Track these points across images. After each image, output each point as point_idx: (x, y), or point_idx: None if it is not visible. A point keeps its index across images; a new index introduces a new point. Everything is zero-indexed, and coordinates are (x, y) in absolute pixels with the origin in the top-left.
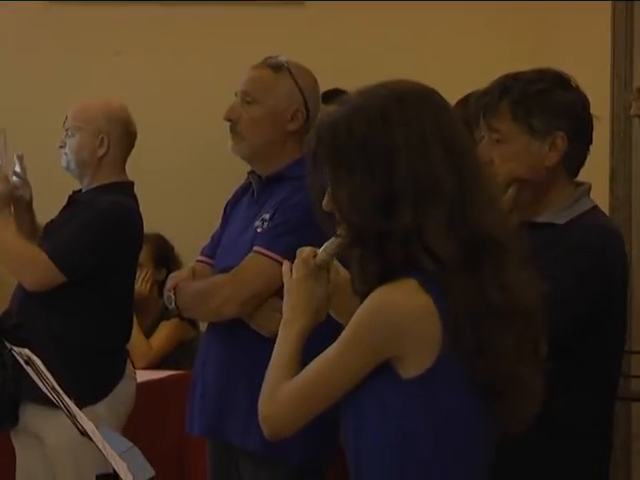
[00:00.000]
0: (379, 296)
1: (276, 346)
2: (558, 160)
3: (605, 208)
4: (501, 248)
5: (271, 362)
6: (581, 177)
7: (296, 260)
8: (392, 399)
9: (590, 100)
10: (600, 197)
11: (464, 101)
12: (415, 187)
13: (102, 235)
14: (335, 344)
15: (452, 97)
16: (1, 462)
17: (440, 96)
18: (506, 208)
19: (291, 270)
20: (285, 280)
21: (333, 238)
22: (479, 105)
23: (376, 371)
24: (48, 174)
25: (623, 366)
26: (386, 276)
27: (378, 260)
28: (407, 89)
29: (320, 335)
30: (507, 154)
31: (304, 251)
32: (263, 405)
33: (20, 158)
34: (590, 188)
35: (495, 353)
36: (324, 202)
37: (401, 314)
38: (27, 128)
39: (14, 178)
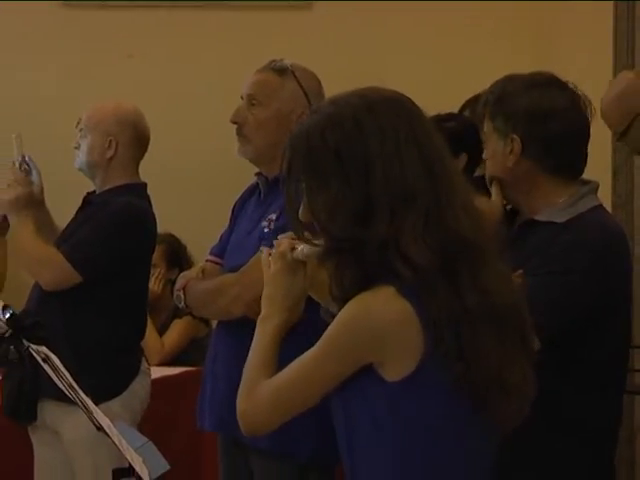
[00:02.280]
0: (357, 304)
1: (254, 342)
2: (522, 162)
3: (607, 205)
4: (477, 251)
5: (249, 358)
6: (585, 176)
7: (273, 252)
8: (379, 402)
9: (592, 99)
10: (603, 194)
11: (473, 101)
12: (390, 195)
13: (116, 236)
14: (314, 348)
15: (458, 98)
16: (20, 457)
17: (413, 103)
18: (497, 203)
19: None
20: (264, 271)
21: (306, 245)
22: (482, 105)
23: (363, 375)
24: (63, 175)
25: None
26: (364, 284)
27: (355, 268)
28: (379, 97)
29: (300, 334)
30: (487, 152)
31: (281, 244)
32: (241, 401)
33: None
34: (597, 187)
35: (476, 357)
36: (300, 212)
37: (379, 320)
38: (42, 130)
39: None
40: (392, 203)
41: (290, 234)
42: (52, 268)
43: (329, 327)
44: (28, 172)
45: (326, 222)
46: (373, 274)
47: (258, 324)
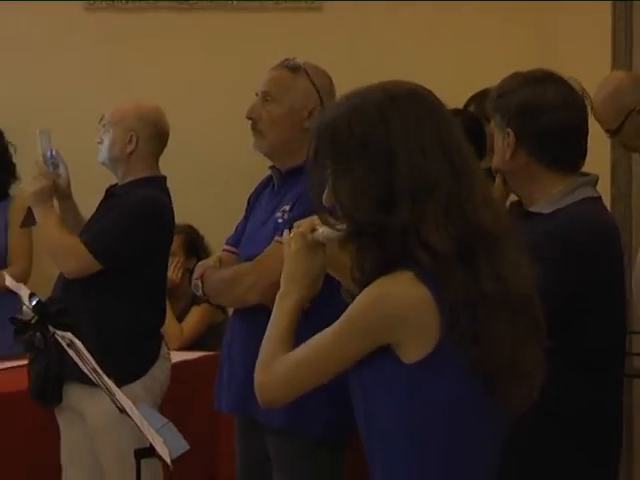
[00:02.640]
0: (377, 287)
1: (272, 317)
2: (513, 154)
3: (607, 198)
4: (495, 240)
5: (267, 332)
6: (584, 170)
7: (293, 232)
8: (396, 382)
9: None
10: (602, 188)
11: (478, 97)
12: (413, 185)
13: (135, 226)
14: (334, 326)
15: (465, 95)
16: (48, 438)
17: (435, 97)
18: (497, 194)
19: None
20: (284, 251)
21: (328, 229)
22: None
23: (381, 355)
24: (88, 170)
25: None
26: (384, 268)
27: (376, 253)
28: (403, 89)
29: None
30: (493, 146)
31: (302, 224)
32: (259, 373)
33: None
34: (596, 180)
35: (490, 341)
36: (324, 197)
37: (398, 304)
38: (68, 126)
39: (50, 167)
40: (414, 192)
41: (310, 218)
42: (74, 257)
43: (349, 307)
44: (56, 166)
45: (349, 207)
46: (393, 259)
47: (277, 300)
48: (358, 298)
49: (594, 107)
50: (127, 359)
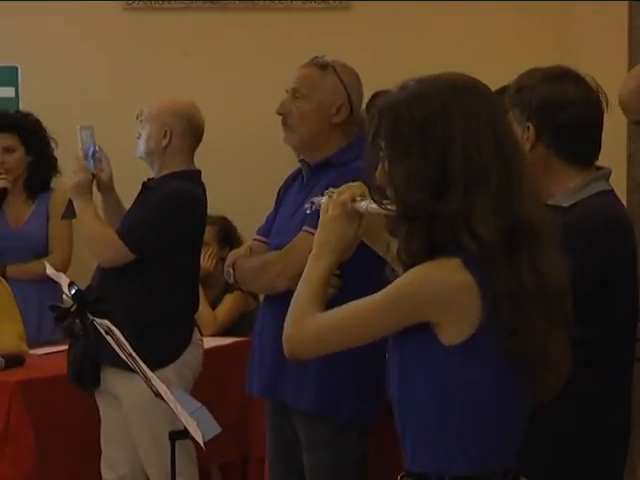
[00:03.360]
0: (426, 268)
1: (303, 277)
2: (532, 148)
3: (623, 190)
4: (537, 235)
5: (297, 290)
6: (601, 162)
7: (335, 198)
8: (434, 363)
9: (609, 93)
10: (618, 179)
11: (498, 93)
12: (466, 175)
13: (166, 218)
14: (376, 296)
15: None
16: (88, 420)
17: (489, 89)
18: None
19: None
20: (321, 214)
21: (379, 208)
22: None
23: (421, 333)
24: (125, 164)
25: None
26: (430, 252)
27: (425, 238)
28: (462, 81)
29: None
30: None
31: (344, 192)
32: (290, 325)
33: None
34: (609, 173)
35: (527, 331)
36: (377, 174)
37: (443, 286)
38: (107, 122)
39: (91, 162)
40: (467, 182)
41: (351, 187)
42: (108, 247)
43: (395, 281)
44: (99, 161)
45: (403, 191)
46: (440, 245)
47: (309, 262)
48: (406, 274)
49: (621, 98)
50: (159, 345)
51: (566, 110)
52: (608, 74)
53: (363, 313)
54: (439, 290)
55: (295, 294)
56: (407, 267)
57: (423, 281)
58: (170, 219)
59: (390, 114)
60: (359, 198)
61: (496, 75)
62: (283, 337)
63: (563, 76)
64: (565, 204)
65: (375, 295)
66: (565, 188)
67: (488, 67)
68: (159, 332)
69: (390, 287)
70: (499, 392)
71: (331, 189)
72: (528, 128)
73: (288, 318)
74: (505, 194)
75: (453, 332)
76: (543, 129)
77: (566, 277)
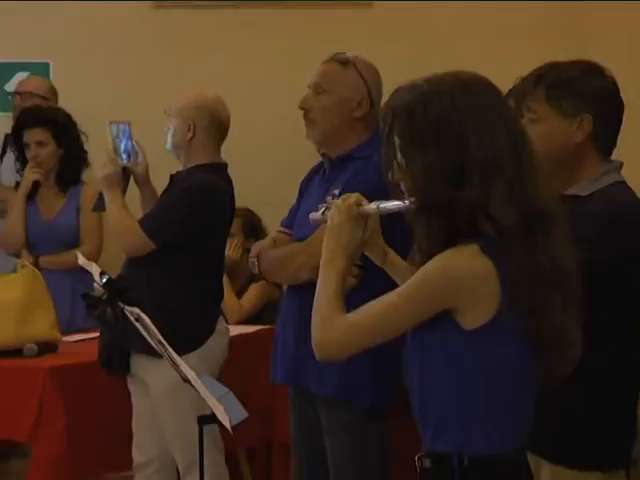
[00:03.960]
0: (445, 257)
1: (320, 282)
2: (584, 138)
3: (638, 181)
4: (551, 220)
5: (317, 297)
6: (620, 157)
7: (340, 204)
8: (455, 347)
9: (626, 87)
10: (634, 172)
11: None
12: (482, 164)
13: (187, 208)
14: (400, 290)
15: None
16: (120, 405)
17: (495, 86)
18: None
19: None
20: (328, 221)
21: (396, 202)
22: (519, 89)
23: (442, 320)
24: (154, 157)
25: None
26: (449, 240)
27: (444, 226)
28: (471, 78)
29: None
30: (541, 132)
31: (349, 198)
32: (318, 330)
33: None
34: (621, 165)
35: (544, 312)
36: (394, 172)
37: (463, 272)
38: (135, 116)
39: (123, 156)
40: (483, 172)
41: (356, 194)
42: (131, 236)
43: (416, 273)
44: (135, 155)
45: (422, 183)
46: (459, 232)
47: (322, 267)
48: (427, 265)
49: None
50: (182, 332)
51: (615, 101)
52: (622, 75)
53: (389, 309)
54: (460, 276)
55: (315, 300)
56: (427, 256)
57: (445, 268)
58: (190, 209)
59: (404, 112)
60: (364, 202)
61: (515, 70)
62: (312, 342)
63: (600, 69)
64: (583, 193)
65: (398, 290)
66: (587, 178)
67: (507, 63)
68: (183, 320)
69: (412, 280)
70: (518, 374)
71: (343, 196)
72: (582, 118)
73: (314, 324)
74: (519, 182)
75: (473, 317)
76: (597, 119)
77: (575, 261)
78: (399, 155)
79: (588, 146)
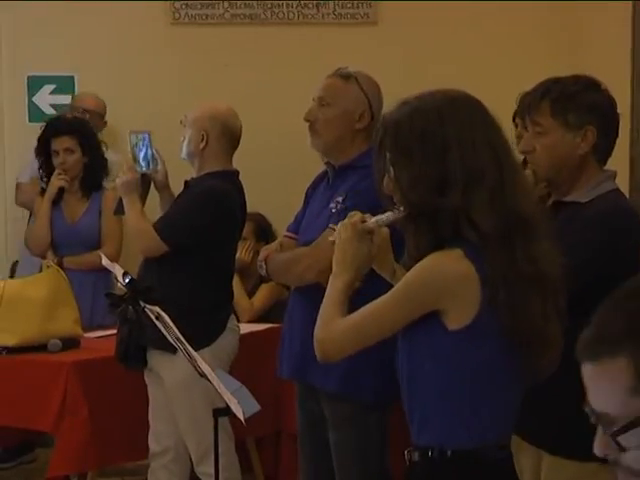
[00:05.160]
0: (430, 261)
1: (327, 292)
2: (588, 150)
3: (626, 189)
4: (531, 226)
5: (324, 302)
6: (607, 164)
7: (346, 222)
8: (440, 347)
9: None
10: (622, 180)
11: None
12: (464, 174)
13: (197, 212)
14: (389, 294)
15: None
16: (138, 396)
17: (482, 104)
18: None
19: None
20: (336, 238)
21: (388, 213)
22: (525, 103)
23: (430, 322)
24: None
25: None
26: (436, 246)
27: (430, 232)
28: (458, 94)
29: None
30: (546, 144)
31: (354, 216)
32: (319, 331)
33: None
34: (615, 174)
35: (524, 313)
36: (384, 184)
37: (447, 276)
38: (153, 127)
39: (142, 163)
40: (465, 181)
41: (358, 213)
42: (145, 239)
43: (405, 276)
44: (155, 163)
45: (408, 192)
46: (444, 238)
47: (331, 279)
48: (413, 269)
49: None
50: (193, 329)
51: (614, 114)
52: (611, 75)
53: (380, 310)
54: (444, 278)
55: (321, 307)
56: (416, 261)
57: (430, 271)
58: (200, 214)
59: (393, 127)
60: (368, 218)
61: (516, 84)
62: (314, 343)
63: (598, 84)
64: (583, 200)
65: (389, 292)
66: (585, 186)
67: (506, 83)
68: (194, 318)
69: (400, 283)
70: (498, 372)
71: (350, 214)
72: (587, 131)
73: (317, 325)
74: (500, 190)
75: (457, 317)
76: (600, 131)
77: (558, 266)
78: (389, 167)
79: (590, 157)
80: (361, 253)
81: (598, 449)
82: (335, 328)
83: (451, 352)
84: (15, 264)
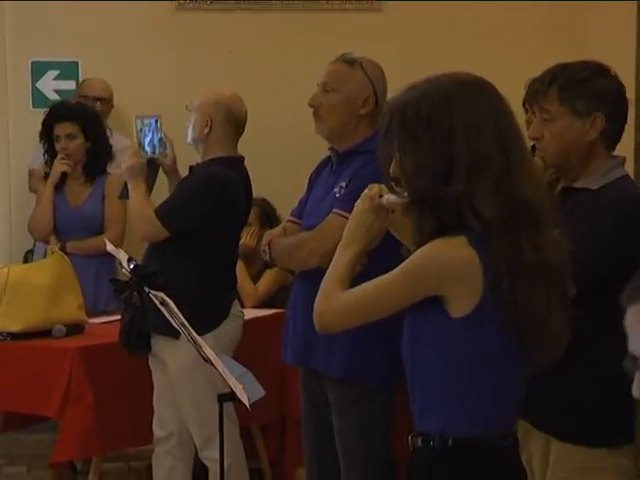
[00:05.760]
0: (434, 245)
1: (333, 262)
2: (597, 136)
3: (631, 175)
4: (536, 214)
5: (327, 273)
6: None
7: (365, 193)
8: (442, 334)
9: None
10: (627, 166)
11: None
12: (469, 160)
13: (197, 198)
14: (393, 273)
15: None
16: (143, 382)
17: (493, 86)
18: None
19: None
20: (354, 207)
21: (394, 196)
22: (532, 90)
23: (433, 308)
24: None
25: None
26: (440, 232)
27: (434, 219)
28: (466, 78)
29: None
30: (554, 131)
31: (373, 188)
32: (319, 303)
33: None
34: (624, 160)
35: (527, 302)
36: (391, 168)
37: (449, 262)
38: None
39: (147, 148)
40: (470, 167)
41: (379, 185)
42: (146, 224)
43: (408, 259)
44: (164, 147)
45: (413, 178)
46: (448, 225)
47: (338, 249)
48: (416, 252)
49: None
50: (197, 315)
51: (623, 100)
52: (617, 68)
53: (382, 288)
54: (446, 265)
55: (325, 277)
56: (420, 247)
57: (432, 256)
58: (201, 200)
59: (400, 111)
60: (384, 194)
61: (519, 69)
62: (314, 314)
63: (607, 69)
64: (593, 187)
65: (392, 271)
66: (595, 172)
67: (512, 61)
68: (197, 303)
69: (404, 263)
70: (500, 361)
71: (370, 185)
72: (595, 117)
73: (318, 297)
74: (505, 178)
75: (460, 305)
76: (609, 117)
77: (564, 254)
78: (396, 151)
79: (599, 143)
80: (374, 227)
81: (637, 391)
82: (336, 302)
83: (453, 339)
84: (29, 252)
